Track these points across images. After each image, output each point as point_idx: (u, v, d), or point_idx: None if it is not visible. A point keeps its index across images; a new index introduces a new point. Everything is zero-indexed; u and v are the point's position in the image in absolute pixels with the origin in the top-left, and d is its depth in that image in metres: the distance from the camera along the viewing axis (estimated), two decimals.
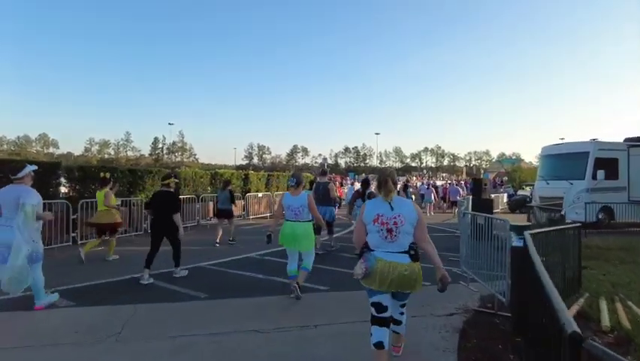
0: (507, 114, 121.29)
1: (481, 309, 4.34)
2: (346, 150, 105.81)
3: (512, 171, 31.84)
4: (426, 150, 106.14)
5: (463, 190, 19.49)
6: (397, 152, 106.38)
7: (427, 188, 20.80)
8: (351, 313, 4.09)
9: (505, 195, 22.80)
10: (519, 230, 3.55)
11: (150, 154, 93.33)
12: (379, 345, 2.71)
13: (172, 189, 5.89)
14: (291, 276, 4.83)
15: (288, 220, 4.79)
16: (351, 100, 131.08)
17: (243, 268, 6.39)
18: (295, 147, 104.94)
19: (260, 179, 16.94)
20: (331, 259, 7.13)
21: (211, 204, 13.02)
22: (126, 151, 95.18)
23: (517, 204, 19.57)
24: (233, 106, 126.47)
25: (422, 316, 4.08)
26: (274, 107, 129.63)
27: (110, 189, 7.19)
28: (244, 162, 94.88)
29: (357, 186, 12.04)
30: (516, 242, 3.55)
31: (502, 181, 37.57)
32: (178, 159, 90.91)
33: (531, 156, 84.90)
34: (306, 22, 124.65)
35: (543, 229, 3.96)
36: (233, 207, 9.42)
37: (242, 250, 7.99)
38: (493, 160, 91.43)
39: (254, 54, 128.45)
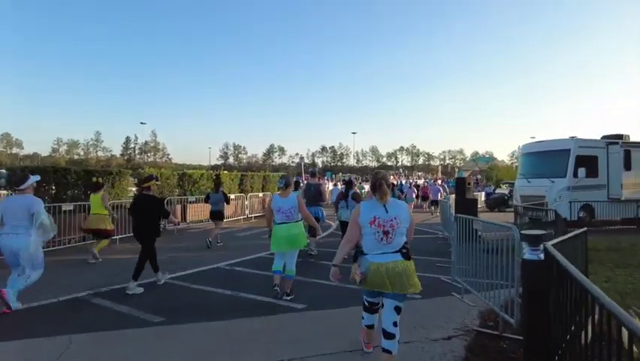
0: (480, 113, 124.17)
1: (482, 330, 3.76)
2: (323, 149, 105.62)
3: (489, 170, 32.02)
4: (401, 149, 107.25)
5: (442, 189, 19.27)
6: (374, 151, 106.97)
7: (410, 187, 20.48)
8: (331, 342, 3.45)
9: (483, 193, 22.78)
10: (533, 240, 2.97)
11: (122, 154, 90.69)
12: (370, 326, 3.16)
13: (153, 193, 5.65)
14: (276, 271, 4.84)
15: (279, 223, 4.81)
16: (328, 99, 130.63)
17: (208, 283, 5.61)
18: (272, 146, 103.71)
19: (232, 179, 15.94)
20: (310, 269, 6.42)
21: (179, 207, 12.16)
22: (96, 152, 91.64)
23: (496, 203, 19.54)
24: (208, 105, 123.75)
25: (417, 341, 3.47)
26: (250, 107, 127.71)
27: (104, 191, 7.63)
28: (219, 162, 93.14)
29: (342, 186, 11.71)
30: (529, 254, 2.96)
31: (477, 180, 38.01)
32: (151, 159, 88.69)
33: (503, 154, 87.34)
34: (282, 21, 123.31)
35: (562, 238, 3.39)
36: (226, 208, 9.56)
37: (212, 259, 7.25)
38: (467, 159, 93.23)
39: (229, 53, 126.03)
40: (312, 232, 7.39)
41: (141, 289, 5.13)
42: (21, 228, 4.26)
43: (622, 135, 13.28)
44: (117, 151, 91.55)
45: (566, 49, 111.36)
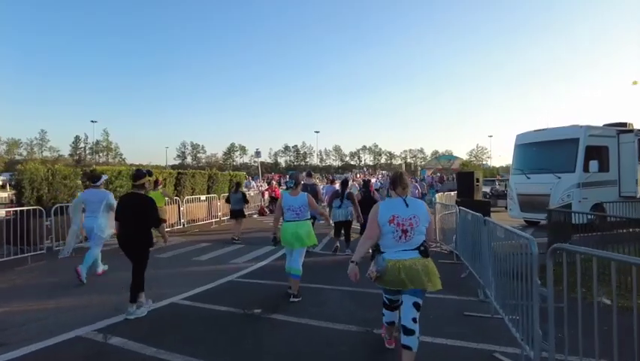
0: (439, 113, 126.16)
1: None
2: (286, 148, 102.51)
3: (463, 166, 30.49)
4: (364, 148, 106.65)
5: (419, 189, 17.28)
6: (337, 150, 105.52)
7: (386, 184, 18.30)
8: None
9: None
10: None
11: (70, 154, 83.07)
12: (391, 324, 3.27)
13: (146, 192, 4.80)
14: (288, 273, 5.01)
15: (288, 221, 4.90)
16: (291, 98, 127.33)
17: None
18: (232, 145, 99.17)
19: (165, 178, 12.69)
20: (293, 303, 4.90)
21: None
22: (42, 151, 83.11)
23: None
24: (164, 104, 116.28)
25: None
26: (210, 105, 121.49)
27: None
28: (176, 162, 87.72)
29: (336, 186, 10.28)
30: None
31: (442, 178, 36.90)
32: (103, 159, 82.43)
33: (462, 152, 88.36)
34: (240, 18, 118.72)
35: None
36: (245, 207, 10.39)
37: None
38: (428, 157, 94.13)
39: (184, 48, 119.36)
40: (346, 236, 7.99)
41: (144, 311, 4.39)
42: (96, 212, 5.86)
43: (626, 123, 11.70)
44: (65, 151, 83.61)
45: (521, 49, 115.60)
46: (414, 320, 2.78)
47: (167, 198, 10.17)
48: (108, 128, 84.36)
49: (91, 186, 6.30)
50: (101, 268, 6.19)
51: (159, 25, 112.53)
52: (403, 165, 79.11)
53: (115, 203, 5.55)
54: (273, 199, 16.58)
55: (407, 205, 2.85)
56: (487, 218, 4.40)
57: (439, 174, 40.16)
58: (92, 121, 73.20)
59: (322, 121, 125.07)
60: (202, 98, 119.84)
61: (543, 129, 11.58)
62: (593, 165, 9.92)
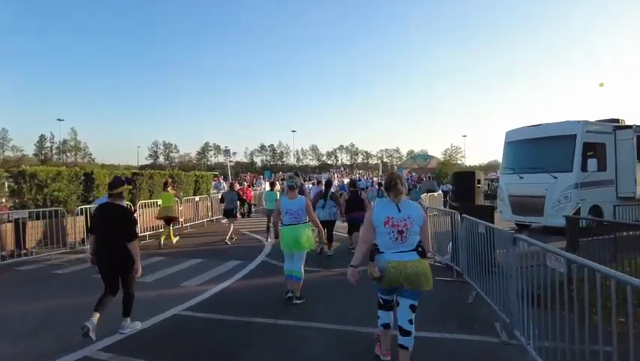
0: (415, 113, 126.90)
1: None
2: (262, 147, 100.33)
3: (443, 165, 29.60)
4: (341, 147, 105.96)
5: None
6: (314, 150, 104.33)
7: (372, 184, 17.46)
8: None
9: (441, 192, 20.13)
10: None
11: (35, 154, 78.06)
12: (387, 326, 3.17)
13: (124, 202, 4.36)
14: (288, 276, 5.00)
15: (286, 225, 4.91)
16: (266, 97, 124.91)
17: None
18: (207, 144, 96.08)
19: (105, 176, 10.91)
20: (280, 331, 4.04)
21: (81, 218, 8.53)
22: (3, 151, 77.66)
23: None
24: (135, 104, 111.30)
25: None
26: (182, 104, 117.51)
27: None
28: (148, 162, 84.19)
29: (321, 186, 10.41)
30: None
31: (420, 178, 36.35)
32: (71, 159, 78.13)
33: (437, 152, 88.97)
34: (216, 16, 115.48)
35: None
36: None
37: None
38: (403, 157, 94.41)
39: (156, 48, 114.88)
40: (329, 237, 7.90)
41: (139, 324, 4.06)
42: None
43: (617, 120, 11.05)
44: (30, 151, 78.39)
45: (496, 48, 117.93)
46: (410, 321, 2.91)
47: (176, 199, 10.70)
48: (76, 127, 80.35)
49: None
50: None
51: (133, 23, 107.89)
52: (380, 166, 79.01)
53: None
54: (244, 202, 14.86)
55: (399, 210, 2.93)
56: (518, 236, 3.31)
57: (414, 174, 39.74)
58: (59, 119, 69.21)
59: (299, 120, 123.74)
60: (175, 97, 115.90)
61: (537, 125, 10.67)
62: (592, 163, 9.12)
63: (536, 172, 9.91)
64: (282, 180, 29.82)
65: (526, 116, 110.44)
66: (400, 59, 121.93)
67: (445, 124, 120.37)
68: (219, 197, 12.00)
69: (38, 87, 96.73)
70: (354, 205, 8.08)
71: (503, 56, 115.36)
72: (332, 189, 8.69)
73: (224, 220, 11.27)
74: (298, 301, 4.81)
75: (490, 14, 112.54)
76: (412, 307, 2.91)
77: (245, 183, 18.07)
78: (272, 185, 11.20)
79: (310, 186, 15.59)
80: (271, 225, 6.83)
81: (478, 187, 6.54)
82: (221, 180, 22.10)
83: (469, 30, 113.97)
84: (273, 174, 45.74)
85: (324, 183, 9.71)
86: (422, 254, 2.90)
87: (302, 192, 7.36)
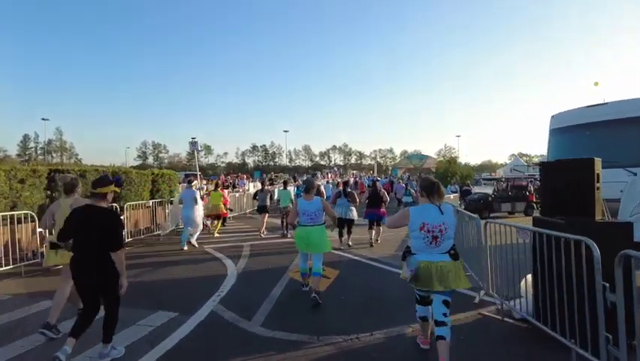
0: (408, 113, 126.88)
1: None
2: (254, 148, 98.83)
3: (450, 162, 28.14)
4: (334, 148, 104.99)
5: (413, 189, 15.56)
6: (307, 150, 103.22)
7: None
8: None
9: (451, 194, 18.83)
10: None
11: (19, 155, 76.06)
12: (424, 318, 3.39)
13: (108, 204, 3.57)
14: (303, 273, 5.37)
15: (302, 225, 5.01)
16: (259, 97, 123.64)
17: None
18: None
19: (40, 177, 8.19)
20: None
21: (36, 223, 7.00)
22: None
23: (479, 206, 14.90)
24: (123, 104, 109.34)
25: None
26: (172, 104, 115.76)
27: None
28: (137, 163, 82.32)
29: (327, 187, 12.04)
30: None
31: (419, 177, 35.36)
32: (56, 159, 76.71)
33: (431, 152, 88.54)
34: (205, 12, 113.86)
35: None
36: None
37: None
38: (397, 157, 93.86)
39: (144, 44, 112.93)
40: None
41: (122, 350, 3.44)
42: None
43: None
44: (13, 151, 76.15)
45: (493, 48, 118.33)
46: (444, 314, 3.05)
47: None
48: (62, 127, 78.61)
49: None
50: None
51: (120, 19, 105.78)
52: (375, 166, 78.41)
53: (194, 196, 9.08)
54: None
55: (442, 213, 3.04)
56: None
57: (408, 174, 38.76)
58: (44, 119, 67.63)
59: (292, 121, 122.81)
60: (164, 96, 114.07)
61: (600, 104, 8.21)
62: None
63: (604, 167, 7.71)
64: (271, 180, 28.69)
65: (526, 116, 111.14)
66: (394, 59, 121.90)
67: (438, 125, 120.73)
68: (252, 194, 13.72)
69: (22, 86, 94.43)
70: (373, 202, 8.91)
71: (502, 56, 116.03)
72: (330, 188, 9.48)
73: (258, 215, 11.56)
74: (318, 296, 4.76)
75: (490, 14, 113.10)
76: (445, 303, 3.07)
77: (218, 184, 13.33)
78: (285, 184, 12.30)
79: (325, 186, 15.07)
80: (289, 222, 7.73)
81: (598, 189, 3.72)
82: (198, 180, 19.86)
83: (467, 31, 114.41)
84: (263, 175, 44.27)
85: (342, 183, 10.98)
86: (455, 257, 3.04)
87: (319, 193, 7.94)
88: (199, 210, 9.10)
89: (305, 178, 5.58)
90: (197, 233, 9.18)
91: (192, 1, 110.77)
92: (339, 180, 21.39)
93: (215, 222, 11.11)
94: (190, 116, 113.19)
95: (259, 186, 15.64)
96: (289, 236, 9.78)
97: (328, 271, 6.18)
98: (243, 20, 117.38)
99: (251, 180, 30.75)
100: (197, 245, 8.98)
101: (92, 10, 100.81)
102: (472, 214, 6.06)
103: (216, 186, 12.16)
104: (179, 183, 15.18)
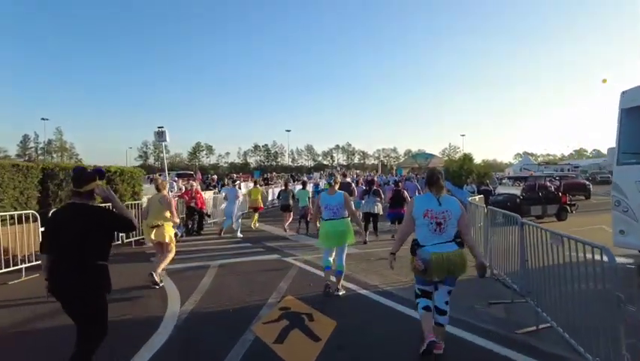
0: (411, 112, 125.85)
1: None
2: (256, 147, 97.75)
3: (465, 160, 26.84)
4: (337, 147, 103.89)
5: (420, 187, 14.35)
6: (309, 150, 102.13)
7: (388, 184, 15.67)
8: None
9: (469, 195, 17.25)
10: None
11: (18, 155, 75.54)
12: (427, 308, 3.28)
13: (95, 202, 2.92)
14: (326, 267, 5.23)
15: (326, 220, 5.12)
16: (261, 96, 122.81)
17: None
18: (198, 144, 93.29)
19: (28, 178, 7.71)
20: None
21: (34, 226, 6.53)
22: None
23: (506, 209, 13.07)
24: (124, 104, 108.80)
25: None
26: (174, 104, 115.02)
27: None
28: (138, 163, 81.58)
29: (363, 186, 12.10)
30: None
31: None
32: (56, 160, 75.66)
33: (435, 151, 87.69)
34: (208, 10, 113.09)
35: None
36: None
37: None
38: (401, 156, 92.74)
39: (147, 46, 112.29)
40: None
41: None
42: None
43: None
44: (12, 151, 75.70)
45: (498, 49, 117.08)
46: (446, 302, 3.22)
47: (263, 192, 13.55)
48: (62, 127, 77.81)
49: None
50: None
51: (122, 21, 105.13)
52: (380, 165, 77.42)
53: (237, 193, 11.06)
54: (192, 211, 10.69)
55: (440, 204, 3.16)
56: None
57: (413, 174, 37.60)
58: (43, 119, 67.66)
59: (294, 120, 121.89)
60: (165, 96, 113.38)
61: None
62: None
63: None
64: (266, 180, 27.78)
65: (528, 115, 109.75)
66: (397, 58, 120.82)
67: (442, 123, 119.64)
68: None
69: (22, 86, 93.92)
70: (396, 202, 9.54)
71: (504, 56, 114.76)
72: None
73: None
74: (340, 293, 5.01)
75: (489, 15, 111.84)
76: (449, 292, 3.23)
77: (194, 184, 11.71)
78: (304, 184, 12.52)
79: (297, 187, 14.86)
80: (310, 219, 8.92)
81: None
82: (173, 180, 18.51)
83: (469, 30, 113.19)
84: (262, 174, 43.19)
85: (366, 182, 11.97)
86: (460, 245, 3.14)
87: (350, 191, 8.49)
88: (238, 205, 10.83)
89: (328, 173, 5.92)
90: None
91: (194, 1, 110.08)
92: (360, 178, 21.09)
93: (256, 215, 12.16)
94: (190, 116, 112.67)
95: (251, 186, 14.90)
96: (309, 233, 10.21)
97: (322, 324, 4.17)
98: (246, 20, 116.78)
99: (242, 179, 29.26)
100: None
101: (93, 10, 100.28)
102: (511, 213, 5.39)
103: (255, 183, 14.12)
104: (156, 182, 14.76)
